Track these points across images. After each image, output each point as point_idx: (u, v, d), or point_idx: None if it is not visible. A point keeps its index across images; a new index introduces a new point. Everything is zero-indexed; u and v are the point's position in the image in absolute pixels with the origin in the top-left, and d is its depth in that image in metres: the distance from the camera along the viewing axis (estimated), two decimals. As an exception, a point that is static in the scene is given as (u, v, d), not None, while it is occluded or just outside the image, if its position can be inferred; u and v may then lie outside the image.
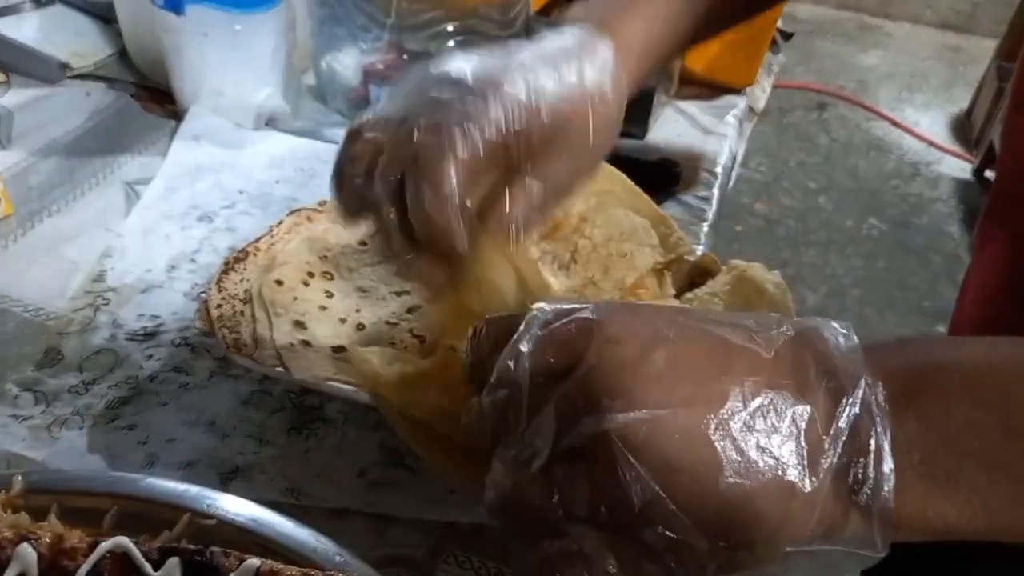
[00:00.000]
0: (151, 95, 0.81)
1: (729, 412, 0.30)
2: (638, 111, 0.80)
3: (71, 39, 0.86)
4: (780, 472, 0.30)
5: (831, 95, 3.02)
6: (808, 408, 0.30)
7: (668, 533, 0.30)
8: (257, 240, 0.58)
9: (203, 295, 0.54)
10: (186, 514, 0.37)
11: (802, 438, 0.30)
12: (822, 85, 3.05)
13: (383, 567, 0.42)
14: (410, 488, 0.48)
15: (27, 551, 0.32)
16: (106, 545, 0.33)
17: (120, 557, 0.33)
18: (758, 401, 0.30)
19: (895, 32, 3.51)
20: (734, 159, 0.86)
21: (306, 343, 0.50)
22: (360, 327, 0.53)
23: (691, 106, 0.88)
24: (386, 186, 0.42)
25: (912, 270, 2.30)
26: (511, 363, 0.33)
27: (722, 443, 0.29)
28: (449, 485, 0.48)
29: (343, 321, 0.53)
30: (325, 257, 0.57)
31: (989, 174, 2.56)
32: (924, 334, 2.00)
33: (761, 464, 0.30)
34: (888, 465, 0.30)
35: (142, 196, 0.69)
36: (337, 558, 0.36)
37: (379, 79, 0.77)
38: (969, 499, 0.30)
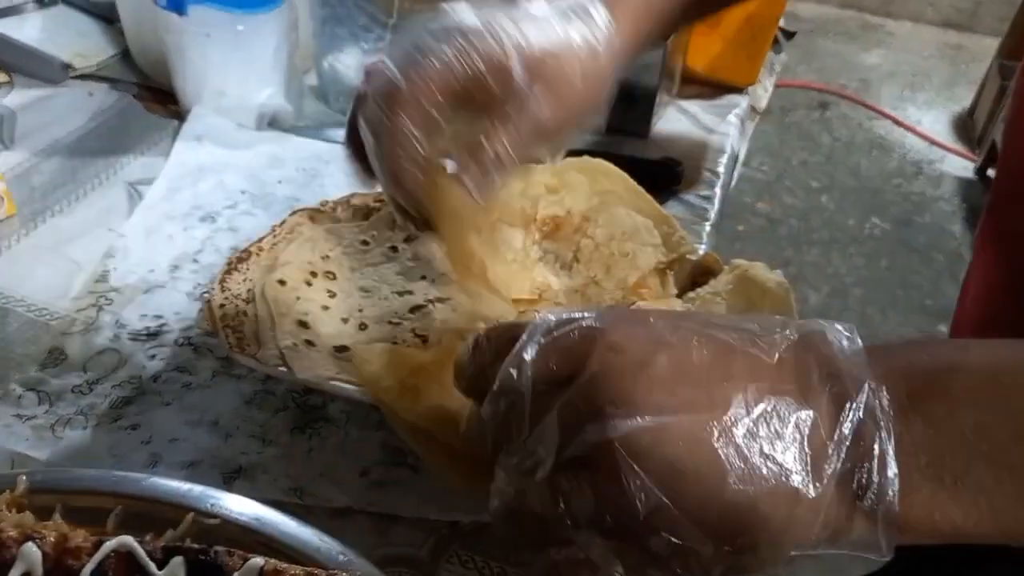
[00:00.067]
0: (153, 95, 0.81)
1: (732, 419, 0.30)
2: (640, 110, 0.80)
3: (74, 39, 0.86)
4: (784, 478, 0.30)
5: (833, 94, 3.02)
6: (811, 413, 0.30)
7: (673, 539, 0.30)
8: (260, 240, 0.58)
9: (206, 295, 0.54)
10: (190, 513, 0.37)
11: (806, 444, 0.30)
12: (824, 84, 3.05)
13: (386, 567, 0.43)
14: (413, 487, 0.48)
15: (32, 550, 0.33)
16: (110, 544, 0.33)
17: (124, 556, 0.33)
18: (761, 407, 0.30)
19: (897, 31, 3.50)
20: (736, 158, 0.86)
21: (309, 343, 0.50)
22: (363, 327, 0.53)
23: (693, 105, 0.88)
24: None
25: (915, 269, 2.30)
26: (514, 371, 0.33)
27: (726, 450, 0.29)
28: (452, 490, 0.48)
29: (346, 321, 0.53)
30: (327, 257, 0.57)
31: (991, 172, 2.55)
32: (928, 336, 2.00)
33: (765, 470, 0.30)
34: (892, 470, 0.30)
35: (145, 196, 0.69)
36: (341, 557, 0.36)
37: (381, 79, 0.77)
38: (976, 502, 0.30)
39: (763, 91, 0.95)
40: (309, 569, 0.34)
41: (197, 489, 0.38)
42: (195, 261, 0.63)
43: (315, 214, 0.61)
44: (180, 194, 0.69)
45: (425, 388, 0.45)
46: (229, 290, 0.53)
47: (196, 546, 0.34)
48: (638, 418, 0.30)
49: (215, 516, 0.37)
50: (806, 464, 0.30)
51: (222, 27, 0.71)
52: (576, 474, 0.31)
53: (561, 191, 0.63)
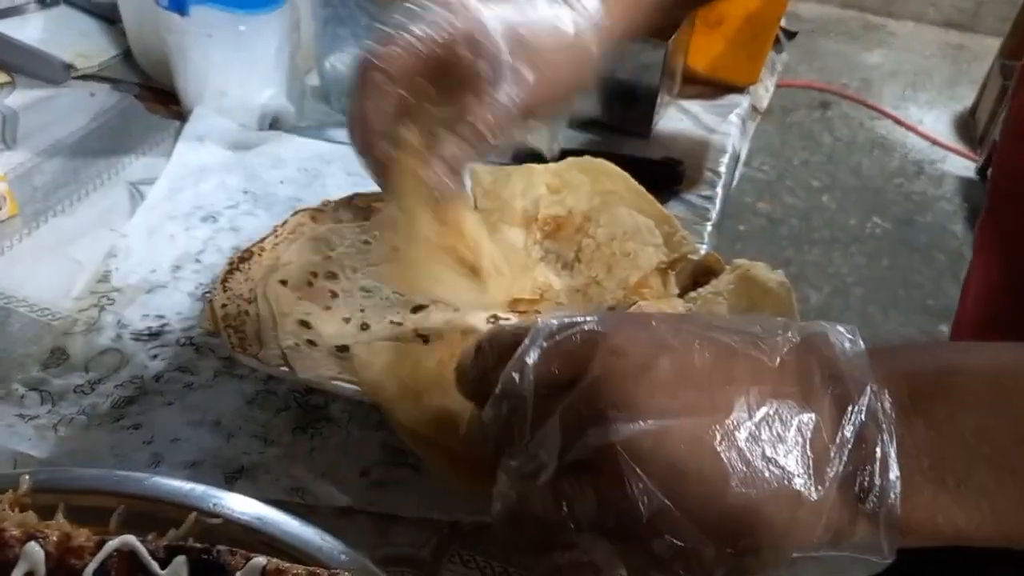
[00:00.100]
0: (155, 96, 0.81)
1: (735, 422, 0.30)
2: (641, 110, 0.80)
3: (75, 40, 0.86)
4: (786, 481, 0.30)
5: (834, 94, 3.01)
6: (813, 416, 0.31)
7: (676, 542, 0.30)
8: (262, 240, 0.58)
9: (208, 295, 0.54)
10: (192, 513, 0.37)
11: (808, 447, 0.30)
12: (825, 84, 3.05)
13: (387, 566, 0.43)
14: (414, 487, 0.48)
15: (35, 550, 0.33)
16: (113, 544, 0.33)
17: (127, 555, 0.33)
18: (763, 411, 0.30)
19: (898, 30, 3.50)
20: (737, 158, 0.86)
21: (311, 343, 0.50)
22: (364, 327, 0.53)
23: (694, 105, 0.88)
24: None
25: (916, 268, 2.29)
26: (516, 375, 0.33)
27: (728, 454, 0.29)
28: (453, 490, 0.48)
29: (347, 321, 0.53)
30: (329, 257, 0.57)
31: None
32: (931, 338, 2.00)
33: (767, 474, 0.30)
34: (894, 472, 0.30)
35: (146, 196, 0.69)
36: (342, 557, 0.36)
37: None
38: (979, 505, 0.30)
39: (764, 91, 0.95)
40: (311, 568, 0.34)
41: (199, 489, 0.38)
42: (197, 261, 0.63)
43: (317, 214, 0.61)
44: (182, 194, 0.69)
45: (426, 390, 0.45)
46: (231, 290, 0.53)
47: (198, 545, 0.34)
48: (640, 422, 0.30)
49: (217, 516, 0.37)
50: (808, 467, 0.30)
51: (224, 27, 0.71)
52: (579, 478, 0.31)
53: (563, 191, 0.63)
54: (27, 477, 0.37)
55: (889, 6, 3.56)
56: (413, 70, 0.44)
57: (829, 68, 3.17)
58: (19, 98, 0.79)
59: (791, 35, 1.05)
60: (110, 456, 0.49)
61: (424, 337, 0.51)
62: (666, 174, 0.74)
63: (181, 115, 0.78)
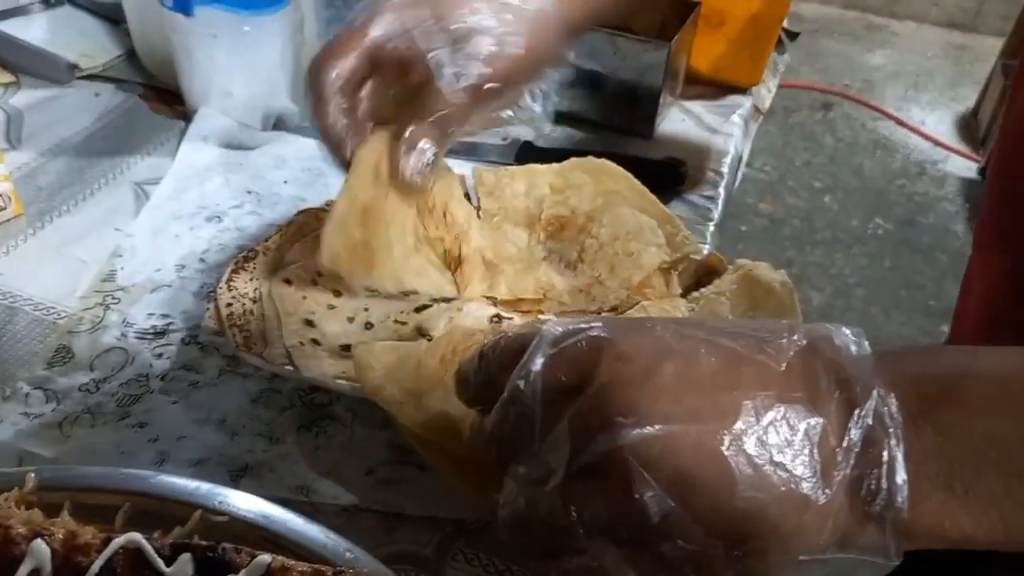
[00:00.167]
0: (160, 96, 0.82)
1: (742, 427, 0.30)
2: (644, 111, 0.81)
3: (80, 40, 0.86)
4: (793, 485, 0.30)
5: (836, 94, 3.01)
6: (820, 421, 0.31)
7: (685, 545, 0.30)
8: (266, 240, 0.58)
9: (213, 294, 0.54)
10: (197, 511, 0.37)
11: (815, 451, 0.30)
12: (827, 85, 3.05)
13: (392, 564, 0.43)
14: (418, 486, 0.48)
15: (41, 547, 0.33)
16: (119, 541, 0.33)
17: (133, 553, 0.33)
18: (770, 415, 0.30)
19: (901, 31, 3.50)
20: (740, 158, 0.86)
21: (315, 341, 0.51)
22: (368, 326, 0.53)
23: (697, 106, 0.88)
24: None
25: (918, 269, 2.29)
26: (522, 382, 0.33)
27: (736, 458, 0.30)
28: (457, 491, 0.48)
29: (351, 320, 0.53)
30: (333, 256, 0.57)
31: (995, 173, 2.54)
32: (937, 343, 2.00)
33: (775, 478, 0.30)
34: (901, 476, 0.30)
35: (151, 196, 0.69)
36: (347, 554, 0.36)
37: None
38: (986, 510, 0.30)
39: (767, 92, 0.95)
40: (316, 566, 0.34)
41: (204, 487, 0.39)
42: (202, 260, 0.64)
43: (320, 214, 0.61)
44: (186, 194, 0.70)
45: (428, 391, 0.45)
46: (236, 289, 0.54)
47: (204, 543, 0.34)
48: (647, 427, 0.30)
49: (223, 513, 0.38)
50: (816, 471, 0.30)
51: (228, 28, 0.72)
52: (587, 483, 0.31)
53: (566, 191, 0.63)
54: (33, 475, 0.38)
55: (891, 6, 3.55)
56: (371, 51, 0.49)
57: (831, 69, 3.17)
58: (24, 98, 0.79)
59: (793, 36, 1.05)
60: (115, 454, 0.49)
61: (427, 337, 0.52)
62: (668, 174, 0.74)
63: (185, 115, 0.78)
